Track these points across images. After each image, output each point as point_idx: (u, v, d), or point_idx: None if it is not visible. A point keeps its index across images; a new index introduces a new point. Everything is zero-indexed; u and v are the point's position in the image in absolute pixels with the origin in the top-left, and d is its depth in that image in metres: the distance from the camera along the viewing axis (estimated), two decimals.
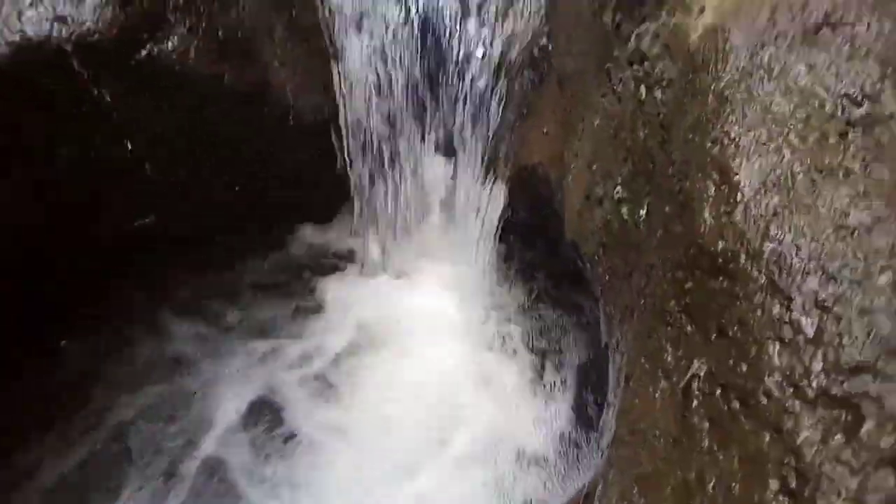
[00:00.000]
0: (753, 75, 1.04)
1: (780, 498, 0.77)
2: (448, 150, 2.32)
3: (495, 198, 2.22)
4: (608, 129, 1.55)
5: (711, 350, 0.94)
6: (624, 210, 1.47)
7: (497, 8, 2.12)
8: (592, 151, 1.65)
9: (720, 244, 0.95)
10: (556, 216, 1.96)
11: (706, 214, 0.99)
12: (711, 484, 0.87)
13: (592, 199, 1.63)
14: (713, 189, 0.99)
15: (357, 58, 2.18)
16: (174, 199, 1.93)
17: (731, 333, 0.91)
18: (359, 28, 2.17)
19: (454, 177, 2.33)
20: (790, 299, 0.84)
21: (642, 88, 1.37)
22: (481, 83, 2.15)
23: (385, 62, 2.18)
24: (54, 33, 1.58)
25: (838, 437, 0.76)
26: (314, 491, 1.86)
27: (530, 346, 2.30)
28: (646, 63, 1.36)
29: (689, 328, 1.00)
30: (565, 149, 1.82)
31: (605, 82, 1.57)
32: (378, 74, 2.20)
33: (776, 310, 0.85)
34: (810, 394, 0.79)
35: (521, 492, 1.87)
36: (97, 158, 1.71)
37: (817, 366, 0.79)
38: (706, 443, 0.89)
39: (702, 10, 1.19)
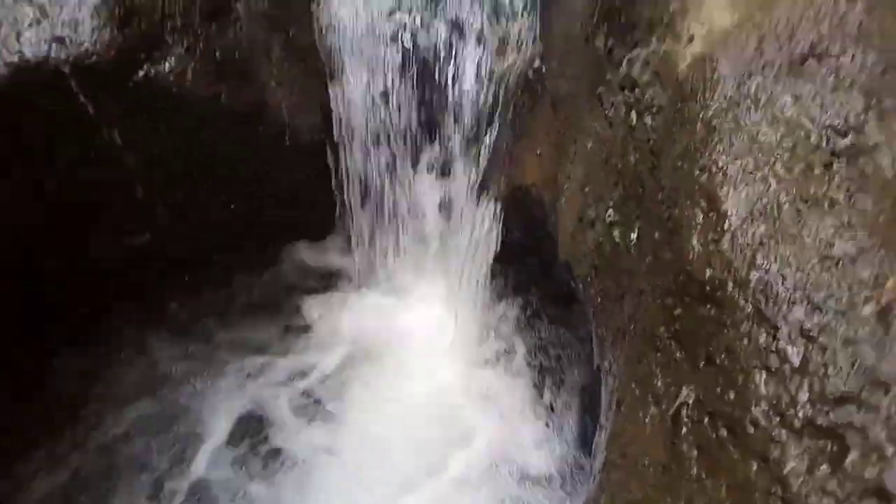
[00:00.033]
0: (741, 105, 1.06)
1: None
2: (443, 169, 2.33)
3: (489, 218, 2.23)
4: (600, 152, 1.57)
5: (700, 377, 0.94)
6: (616, 233, 1.48)
7: (491, 29, 2.15)
8: (585, 174, 1.66)
9: (708, 272, 0.96)
10: (549, 237, 1.97)
11: (694, 242, 1.00)
12: None
13: (585, 221, 1.64)
14: (701, 217, 1.00)
15: (353, 78, 2.20)
16: (170, 219, 1.94)
17: (718, 361, 0.91)
18: (354, 48, 2.20)
19: (449, 196, 2.34)
20: (776, 328, 0.85)
21: (633, 114, 1.39)
22: (476, 104, 2.17)
23: (380, 82, 2.20)
24: (52, 54, 1.60)
25: (824, 467, 0.77)
26: None
27: (528, 364, 2.30)
28: (636, 89, 1.38)
29: (678, 354, 1.01)
30: (558, 171, 1.84)
31: (597, 106, 1.59)
32: (373, 94, 2.22)
33: (763, 339, 0.86)
34: (796, 423, 0.80)
35: None
36: (94, 179, 1.72)
37: (803, 396, 0.80)
38: (695, 471, 0.90)
39: (691, 39, 1.21)
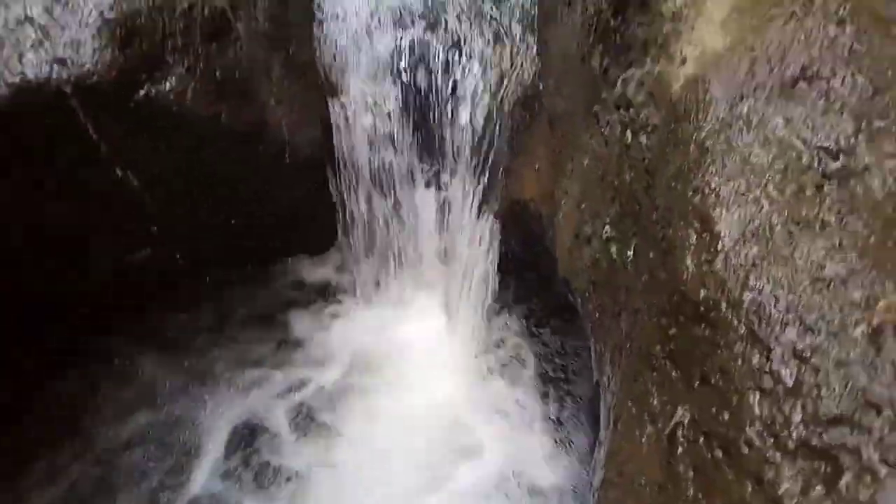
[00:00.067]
0: (733, 126, 1.07)
1: None
2: (442, 183, 2.35)
3: (489, 232, 2.25)
4: (596, 169, 1.58)
5: (695, 397, 0.95)
6: (612, 250, 1.49)
7: (490, 47, 2.17)
8: (581, 191, 1.68)
9: (702, 292, 0.97)
10: (547, 252, 1.99)
11: (688, 262, 1.01)
12: None
13: (582, 237, 1.66)
14: (695, 237, 1.02)
15: (352, 94, 2.23)
16: (170, 236, 1.95)
17: (713, 381, 0.92)
18: (354, 64, 2.22)
19: (448, 210, 2.36)
20: (769, 349, 0.86)
21: (628, 133, 1.41)
22: (475, 119, 2.19)
23: (379, 98, 2.23)
24: (54, 75, 1.61)
25: (818, 488, 0.77)
26: None
27: (533, 375, 2.30)
28: (631, 109, 1.39)
29: (673, 374, 1.02)
30: (555, 187, 1.85)
31: (593, 124, 1.61)
32: (372, 110, 2.24)
33: (756, 359, 0.87)
34: (790, 444, 0.81)
35: None
36: (94, 197, 1.74)
37: (797, 416, 0.81)
38: (691, 491, 0.91)
39: (683, 61, 1.23)
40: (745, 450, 0.84)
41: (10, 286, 1.78)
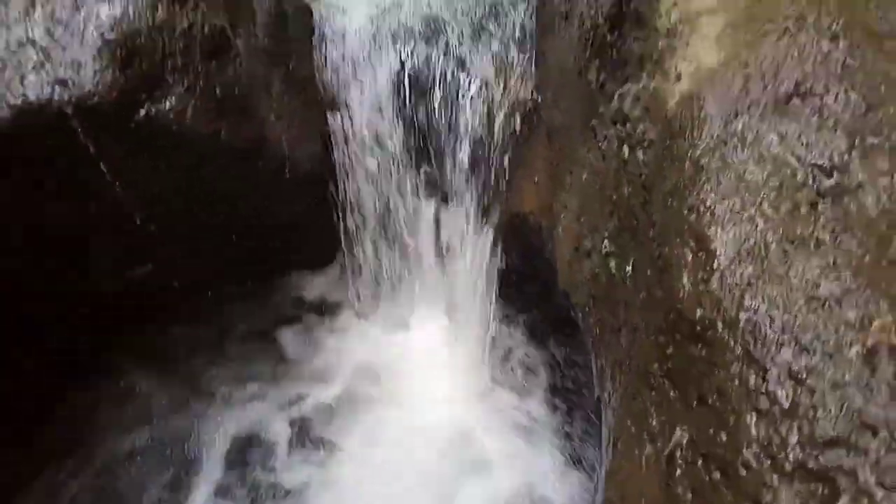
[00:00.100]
0: (728, 143, 1.08)
1: None
2: (443, 197, 2.36)
3: (489, 245, 2.25)
4: (594, 184, 1.59)
5: (692, 417, 0.95)
6: (612, 264, 1.49)
7: (489, 60, 2.18)
8: (580, 204, 1.68)
9: (698, 311, 0.97)
10: (548, 265, 1.99)
11: (684, 281, 1.01)
12: None
13: (581, 251, 1.66)
14: (690, 256, 1.02)
15: (352, 107, 2.24)
16: (169, 255, 1.96)
17: (710, 402, 0.92)
18: (354, 79, 2.24)
19: (449, 224, 2.36)
20: (765, 370, 0.86)
21: (625, 148, 1.41)
22: (474, 133, 2.19)
23: (379, 112, 2.24)
24: (55, 97, 1.62)
25: None
26: None
27: (539, 387, 2.29)
28: (628, 124, 1.40)
29: (671, 393, 1.02)
30: (554, 200, 1.86)
31: (590, 138, 1.61)
32: (372, 124, 2.25)
33: (752, 380, 0.87)
34: (787, 466, 0.80)
35: None
36: (95, 218, 1.75)
37: (793, 438, 0.81)
38: None
39: (678, 77, 1.23)
40: (743, 472, 0.84)
41: (10, 299, 1.79)
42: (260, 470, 2.02)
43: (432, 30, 2.17)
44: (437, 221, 2.38)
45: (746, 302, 0.91)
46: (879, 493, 0.74)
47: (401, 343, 2.46)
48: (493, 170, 2.21)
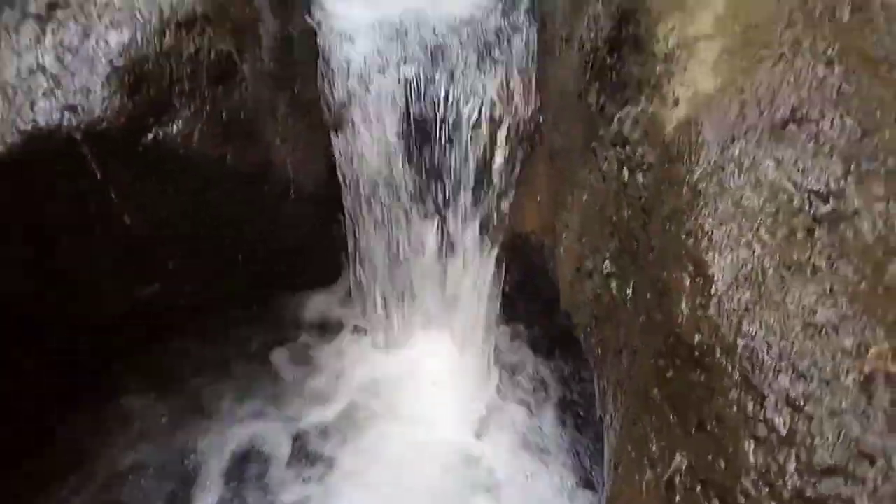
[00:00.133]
0: (725, 169, 1.09)
1: None
2: (446, 216, 2.37)
3: (492, 264, 2.26)
4: (595, 204, 1.60)
5: (692, 443, 0.95)
6: (613, 285, 1.50)
7: (492, 81, 2.21)
8: (581, 224, 1.69)
9: (696, 337, 0.98)
10: (551, 283, 2.00)
11: (683, 306, 1.02)
12: None
13: (583, 271, 1.67)
14: (689, 281, 1.03)
15: (356, 128, 2.26)
16: (175, 276, 1.97)
17: (709, 428, 0.92)
18: (356, 99, 2.26)
19: (452, 242, 2.38)
20: (763, 397, 0.86)
21: (625, 170, 1.42)
22: (477, 152, 2.21)
23: (382, 132, 2.26)
24: (65, 122, 1.65)
25: None
26: None
27: (548, 405, 2.28)
28: (627, 146, 1.41)
29: (671, 418, 1.02)
30: (556, 220, 1.87)
31: (591, 159, 1.62)
32: (375, 144, 2.27)
33: (750, 407, 0.87)
34: (786, 495, 0.81)
35: None
36: (101, 242, 1.78)
37: (791, 466, 0.81)
38: None
39: (676, 102, 1.25)
40: (742, 499, 0.84)
41: (15, 320, 1.81)
42: (259, 486, 2.03)
43: (437, 55, 2.19)
44: (441, 239, 2.39)
45: (744, 328, 0.92)
46: None
47: (404, 360, 2.46)
48: (496, 189, 2.23)
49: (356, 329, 2.48)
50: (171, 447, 2.11)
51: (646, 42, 1.39)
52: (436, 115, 2.20)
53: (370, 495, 2.03)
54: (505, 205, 2.20)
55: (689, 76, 1.25)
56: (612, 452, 1.27)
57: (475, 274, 2.31)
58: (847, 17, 1.13)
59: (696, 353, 0.97)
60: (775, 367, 0.87)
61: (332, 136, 2.26)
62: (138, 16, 1.75)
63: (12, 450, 1.92)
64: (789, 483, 0.80)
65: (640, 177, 1.36)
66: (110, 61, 1.70)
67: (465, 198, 2.27)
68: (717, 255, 1.00)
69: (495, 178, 2.18)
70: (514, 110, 2.13)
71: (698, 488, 0.91)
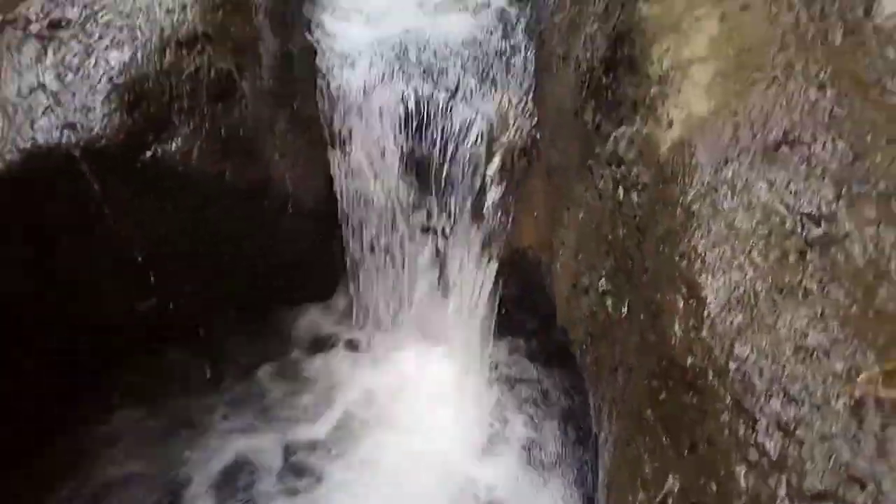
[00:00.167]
0: (718, 191, 1.09)
1: None
2: (444, 231, 2.38)
3: (489, 279, 2.27)
4: (591, 222, 1.61)
5: (684, 466, 0.95)
6: (608, 303, 1.50)
7: (490, 97, 2.22)
8: (577, 241, 1.70)
9: (689, 359, 0.98)
10: (547, 298, 2.00)
11: (676, 328, 1.02)
12: None
13: (579, 288, 1.67)
14: (682, 303, 1.03)
15: (355, 144, 2.28)
16: (174, 292, 1.98)
17: (701, 450, 0.93)
18: (356, 115, 2.28)
19: (450, 257, 2.38)
20: (755, 420, 0.87)
21: (620, 189, 1.43)
22: (476, 169, 2.22)
23: (380, 148, 2.27)
24: (64, 140, 1.67)
25: None
26: None
27: (545, 419, 2.28)
28: (623, 166, 1.42)
29: (664, 440, 1.02)
30: (553, 236, 1.88)
31: (587, 177, 1.63)
32: (374, 160, 2.28)
33: (742, 430, 0.88)
34: None
35: None
36: (101, 258, 1.78)
37: (782, 491, 0.81)
38: None
39: (670, 124, 1.26)
40: None
41: (13, 334, 1.81)
42: (250, 497, 2.02)
43: (437, 74, 2.21)
44: (439, 255, 2.40)
45: (736, 351, 0.92)
46: None
47: (402, 374, 2.46)
48: (493, 204, 2.24)
49: (353, 343, 2.48)
50: (162, 458, 2.10)
51: (640, 63, 1.41)
52: (434, 132, 2.21)
53: None
54: (503, 220, 2.20)
55: (683, 98, 1.26)
56: (607, 473, 1.27)
57: (473, 288, 2.32)
58: (839, 41, 1.14)
59: (689, 376, 0.98)
60: (767, 390, 0.87)
61: (331, 152, 2.28)
62: (139, 35, 1.78)
63: (12, 450, 1.92)
64: None
65: (634, 196, 1.37)
66: (110, 79, 1.72)
67: (463, 213, 2.28)
68: (710, 278, 1.01)
69: (493, 194, 2.18)
70: (512, 126, 2.14)
71: None
